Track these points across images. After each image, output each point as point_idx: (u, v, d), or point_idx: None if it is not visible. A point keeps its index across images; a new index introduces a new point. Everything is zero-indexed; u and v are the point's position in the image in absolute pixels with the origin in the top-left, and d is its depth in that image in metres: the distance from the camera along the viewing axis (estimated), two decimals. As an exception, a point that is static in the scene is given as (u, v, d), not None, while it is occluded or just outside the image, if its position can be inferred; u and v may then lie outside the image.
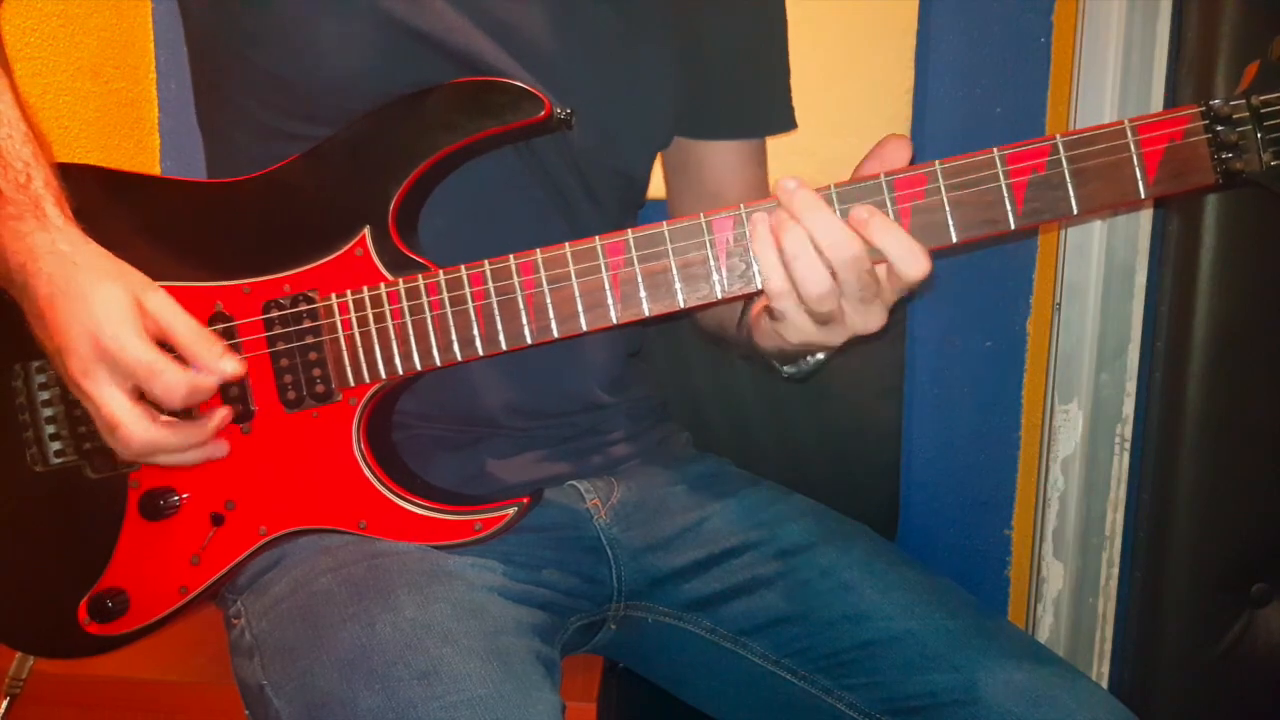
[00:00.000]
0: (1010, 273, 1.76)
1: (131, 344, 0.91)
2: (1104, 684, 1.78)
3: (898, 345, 1.69)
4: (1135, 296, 1.69)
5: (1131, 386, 1.72)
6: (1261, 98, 0.86)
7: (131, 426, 0.92)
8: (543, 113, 0.99)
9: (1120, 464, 1.74)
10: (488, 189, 1.08)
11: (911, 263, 0.88)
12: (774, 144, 1.33)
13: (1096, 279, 1.70)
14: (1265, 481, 1.56)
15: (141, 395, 0.94)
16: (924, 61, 1.69)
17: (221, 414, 0.99)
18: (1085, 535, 1.77)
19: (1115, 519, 1.75)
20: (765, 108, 1.27)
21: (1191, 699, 1.61)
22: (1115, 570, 1.77)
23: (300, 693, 0.91)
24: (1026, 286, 1.76)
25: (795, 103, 1.29)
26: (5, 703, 1.19)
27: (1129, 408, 1.73)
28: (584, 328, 0.96)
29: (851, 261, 0.88)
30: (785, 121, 1.29)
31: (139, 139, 1.76)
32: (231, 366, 0.95)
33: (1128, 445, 1.73)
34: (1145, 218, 1.67)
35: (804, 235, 0.88)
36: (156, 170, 1.79)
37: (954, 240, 0.90)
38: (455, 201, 1.06)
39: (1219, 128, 0.86)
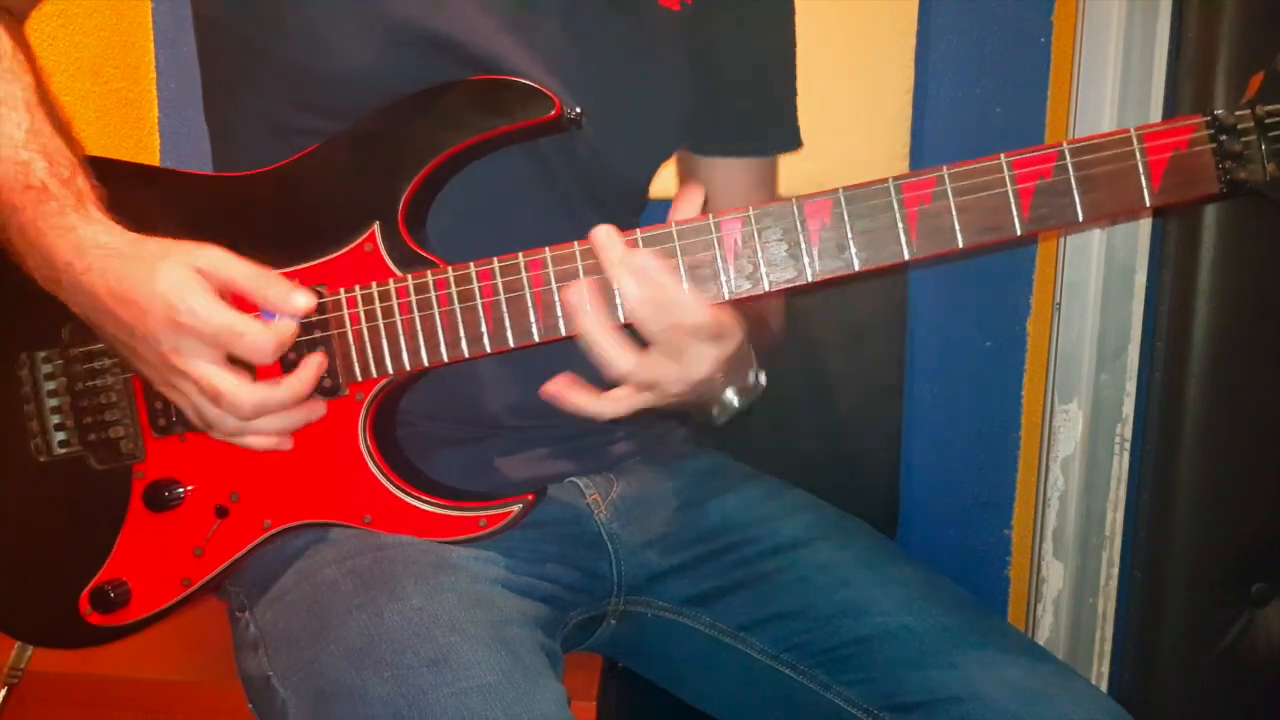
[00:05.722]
0: (1010, 273, 1.76)
1: (207, 310, 0.91)
2: (1104, 684, 1.78)
3: (898, 345, 1.69)
4: (1135, 296, 1.70)
5: (1131, 386, 1.72)
6: (1266, 108, 0.86)
7: (235, 391, 0.92)
8: (553, 112, 0.99)
9: (1120, 464, 1.74)
10: (496, 189, 1.08)
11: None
12: (774, 144, 1.33)
13: (1096, 279, 1.70)
14: (1265, 481, 1.56)
15: (231, 361, 0.93)
16: (924, 61, 1.70)
17: (315, 361, 0.98)
18: (1085, 535, 1.77)
19: (1115, 519, 1.76)
20: (771, 127, 1.28)
21: (1191, 699, 1.60)
22: (1115, 570, 1.77)
23: (308, 682, 0.92)
24: (1026, 286, 1.76)
25: (796, 102, 1.29)
26: (4, 691, 1.19)
27: (1129, 408, 1.73)
28: None
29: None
30: (790, 141, 1.29)
31: (139, 139, 1.76)
32: (304, 300, 0.95)
33: (1128, 445, 1.73)
34: (1145, 218, 1.67)
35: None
36: (157, 170, 1.79)
37: (960, 245, 0.90)
38: (464, 201, 1.06)
39: (1223, 137, 0.86)
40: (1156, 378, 1.61)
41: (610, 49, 1.11)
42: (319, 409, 1.00)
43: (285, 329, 0.94)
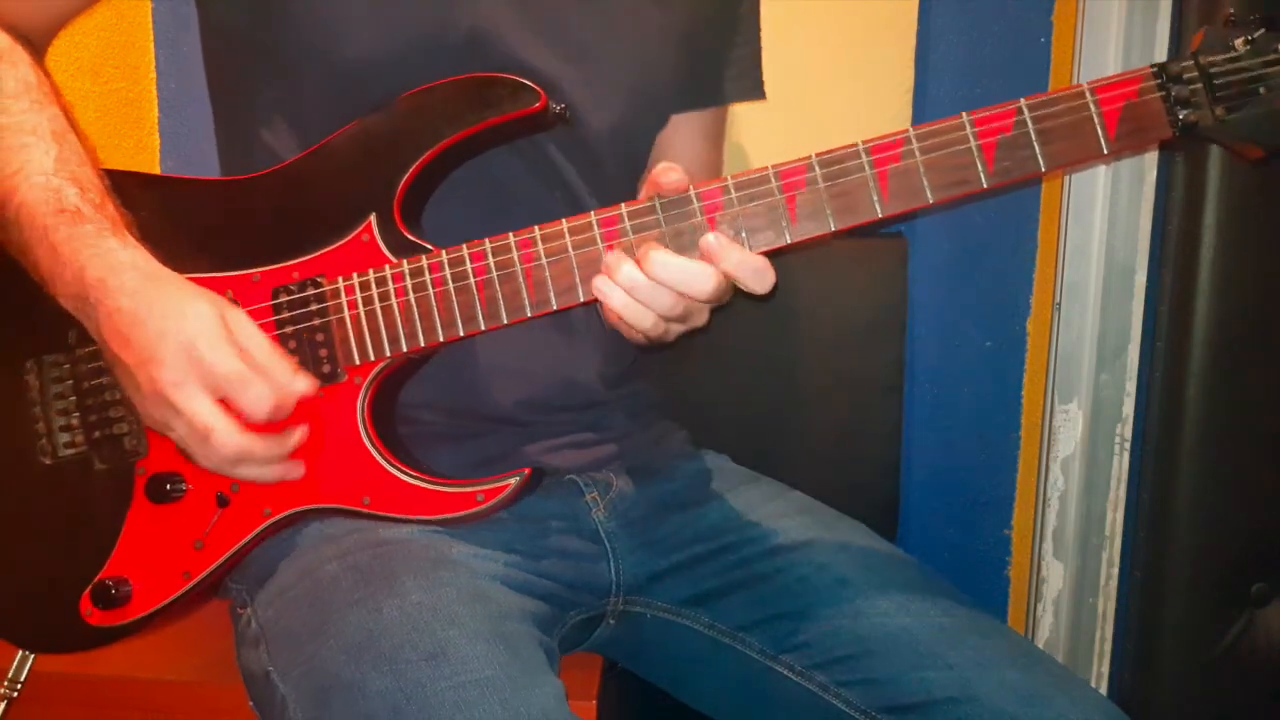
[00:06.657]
0: (1010, 272, 1.76)
1: (225, 355, 0.93)
2: (1104, 684, 1.78)
3: (898, 345, 1.69)
4: (1135, 296, 1.69)
5: (1131, 386, 1.72)
6: (1208, 59, 0.91)
7: (224, 434, 0.94)
8: (538, 105, 1.00)
9: (1120, 464, 1.74)
10: (497, 188, 1.09)
11: (759, 281, 0.93)
12: (775, 145, 1.33)
13: (1096, 279, 1.70)
14: (1265, 481, 1.56)
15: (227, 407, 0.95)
16: (924, 61, 1.70)
17: (300, 431, 1.00)
18: (1085, 535, 1.77)
19: (1115, 519, 1.75)
20: (738, 74, 1.27)
21: (1191, 699, 1.60)
22: (1115, 570, 1.77)
23: (308, 677, 0.92)
24: (1026, 286, 1.76)
25: (796, 103, 1.29)
26: (2, 706, 1.19)
27: (1129, 408, 1.73)
28: (581, 299, 0.98)
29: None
30: (753, 89, 1.28)
31: (139, 139, 1.76)
32: (303, 385, 0.98)
33: (1128, 445, 1.73)
34: (1145, 218, 1.67)
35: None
36: (157, 170, 1.79)
37: (930, 201, 0.94)
38: (464, 201, 1.07)
39: (1172, 86, 0.91)
40: (1156, 378, 1.61)
41: (623, 22, 1.13)
42: (297, 470, 1.02)
43: (286, 397, 0.97)
